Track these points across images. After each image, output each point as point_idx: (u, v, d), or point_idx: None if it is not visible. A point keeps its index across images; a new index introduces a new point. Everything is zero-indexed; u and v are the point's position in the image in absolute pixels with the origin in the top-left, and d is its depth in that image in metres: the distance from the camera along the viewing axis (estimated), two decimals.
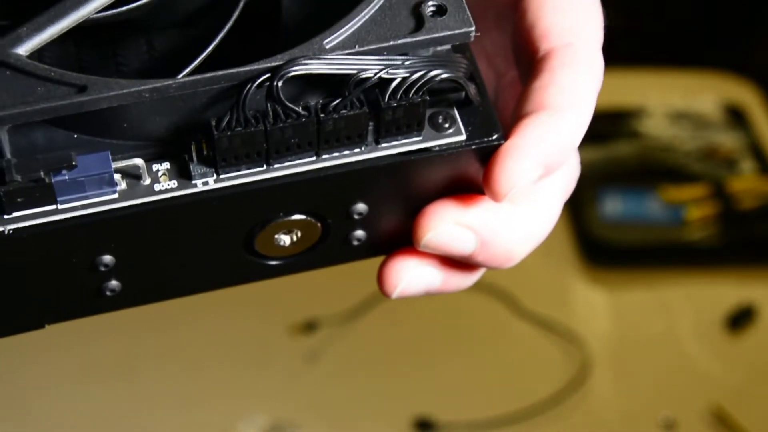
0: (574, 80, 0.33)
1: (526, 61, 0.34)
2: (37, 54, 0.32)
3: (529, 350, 0.99)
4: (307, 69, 0.29)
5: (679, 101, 1.16)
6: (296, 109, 0.30)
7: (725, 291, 1.02)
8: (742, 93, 1.17)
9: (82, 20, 0.30)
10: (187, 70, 0.31)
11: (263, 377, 0.96)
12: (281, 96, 0.29)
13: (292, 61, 0.29)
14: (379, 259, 0.36)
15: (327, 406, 0.95)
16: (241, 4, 0.32)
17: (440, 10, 0.31)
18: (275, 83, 0.29)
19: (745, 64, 1.19)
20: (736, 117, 1.14)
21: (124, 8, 0.31)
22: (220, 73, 0.29)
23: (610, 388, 0.97)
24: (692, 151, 1.11)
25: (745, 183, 1.08)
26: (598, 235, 1.03)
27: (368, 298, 0.99)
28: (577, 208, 1.06)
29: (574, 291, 1.03)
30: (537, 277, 1.04)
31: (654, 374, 0.97)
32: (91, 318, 0.34)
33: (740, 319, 1.00)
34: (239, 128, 0.30)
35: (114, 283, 0.33)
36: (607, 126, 1.11)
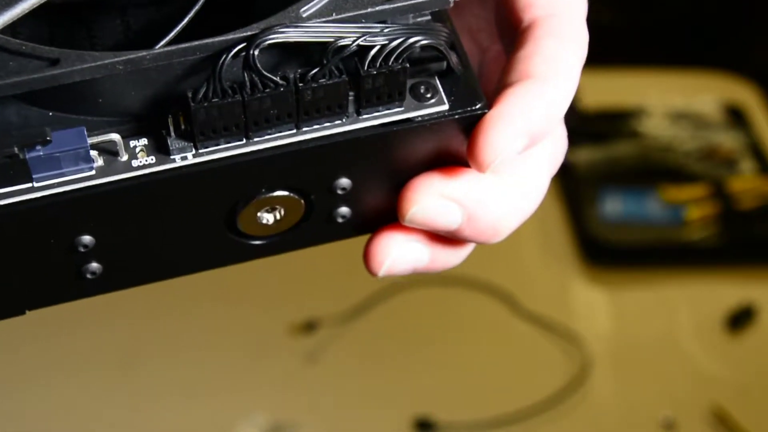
0: (559, 49, 0.32)
1: (510, 32, 0.34)
2: (10, 32, 0.31)
3: (529, 350, 0.99)
4: (283, 37, 0.29)
5: (679, 101, 1.16)
6: (274, 78, 0.29)
7: (725, 291, 1.02)
8: (742, 93, 1.17)
9: None
10: (163, 42, 0.30)
11: (263, 377, 0.96)
12: (258, 65, 0.29)
13: (268, 30, 0.29)
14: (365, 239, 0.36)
15: (327, 406, 0.95)
16: None
17: None
18: (251, 52, 0.29)
19: (745, 64, 1.19)
20: (736, 117, 1.14)
21: None
22: (195, 43, 0.29)
23: (610, 388, 0.97)
24: (692, 151, 1.11)
25: (745, 183, 1.08)
26: (598, 235, 1.03)
27: (368, 298, 0.99)
28: (577, 208, 1.06)
29: (574, 291, 1.03)
30: (537, 277, 1.04)
31: (654, 374, 0.97)
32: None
33: (740, 319, 1.00)
34: (216, 99, 0.29)
35: (94, 265, 0.32)
36: (607, 126, 1.11)
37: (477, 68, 0.37)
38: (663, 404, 0.94)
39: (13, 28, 0.31)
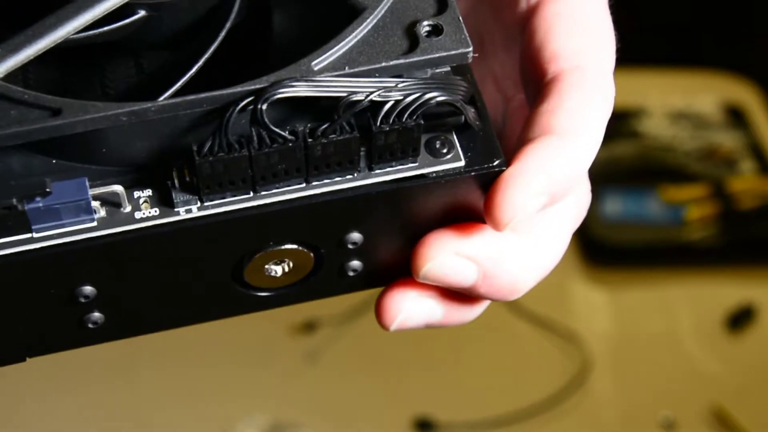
0: (583, 104, 0.31)
1: (534, 84, 0.32)
2: (21, 76, 0.31)
3: (529, 350, 0.99)
4: (293, 92, 0.28)
5: (679, 101, 1.16)
6: (282, 133, 0.28)
7: (725, 291, 1.02)
8: (742, 93, 1.17)
9: (60, 41, 0.29)
10: (169, 92, 0.30)
11: (263, 377, 0.96)
12: (266, 120, 0.28)
13: (278, 84, 0.28)
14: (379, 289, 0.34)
15: (327, 406, 0.95)
16: (228, 24, 0.31)
17: (436, 30, 0.30)
18: (259, 106, 0.28)
19: (745, 64, 1.19)
20: (736, 117, 1.14)
21: (105, 29, 0.30)
22: (202, 96, 0.28)
23: (610, 388, 0.97)
24: (692, 151, 1.11)
25: (745, 183, 1.08)
26: (598, 235, 1.03)
27: (368, 298, 0.99)
28: None
29: (574, 291, 1.03)
30: None
31: (654, 374, 0.97)
32: None
33: (740, 319, 1.00)
34: (222, 153, 0.28)
35: (96, 314, 0.31)
36: (607, 126, 1.11)
37: (501, 117, 0.36)
38: (663, 404, 0.94)
39: (24, 70, 0.31)
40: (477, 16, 0.37)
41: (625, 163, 1.09)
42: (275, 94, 0.28)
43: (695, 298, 1.02)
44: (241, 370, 0.96)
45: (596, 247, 1.04)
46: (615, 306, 1.02)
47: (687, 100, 1.16)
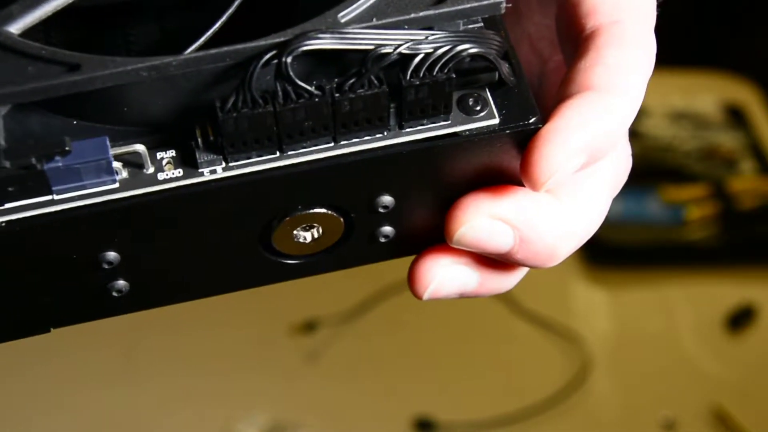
0: (624, 59, 0.30)
1: (571, 41, 0.31)
2: (43, 37, 0.30)
3: (529, 350, 0.99)
4: (319, 44, 0.27)
5: (679, 101, 1.16)
6: (308, 88, 0.27)
7: (725, 291, 1.02)
8: (742, 93, 1.17)
9: None
10: (192, 47, 0.29)
11: (263, 377, 0.96)
12: (291, 74, 0.27)
13: (303, 36, 0.27)
14: (409, 260, 0.33)
15: (327, 406, 0.95)
16: None
17: None
18: (284, 60, 0.27)
19: (745, 64, 1.19)
20: (736, 117, 1.14)
21: None
22: (224, 49, 0.27)
23: (610, 388, 0.97)
24: (692, 151, 1.11)
25: (745, 183, 1.08)
26: (598, 235, 1.03)
27: (368, 298, 0.99)
28: None
29: (574, 291, 1.03)
30: (537, 277, 1.04)
31: (654, 374, 0.97)
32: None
33: (740, 319, 1.00)
34: (246, 109, 0.27)
35: (121, 282, 0.30)
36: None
37: (537, 79, 0.35)
38: (663, 404, 0.94)
39: (46, 32, 0.30)
40: None
41: None
42: (300, 47, 0.27)
43: (695, 298, 1.02)
44: (241, 370, 0.96)
45: (596, 247, 1.04)
46: (615, 306, 1.03)
47: (687, 100, 1.16)
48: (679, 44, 1.23)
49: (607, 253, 1.04)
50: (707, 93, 1.17)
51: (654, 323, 1.01)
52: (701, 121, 1.14)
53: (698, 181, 1.08)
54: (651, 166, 1.09)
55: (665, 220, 1.05)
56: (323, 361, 0.97)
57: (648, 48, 0.30)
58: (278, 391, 0.95)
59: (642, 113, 1.13)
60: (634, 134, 1.10)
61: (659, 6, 0.32)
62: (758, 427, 0.93)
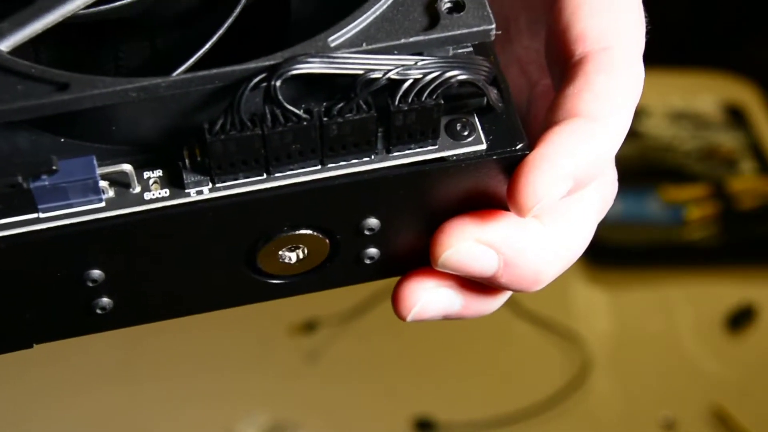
0: (611, 86, 0.30)
1: (560, 66, 0.31)
2: (33, 53, 0.30)
3: (529, 350, 0.99)
4: (307, 68, 0.27)
5: (679, 101, 1.16)
6: (297, 112, 0.27)
7: (725, 291, 1.02)
8: (742, 93, 1.17)
9: (68, 16, 0.28)
10: (182, 68, 0.29)
11: (263, 377, 0.96)
12: (280, 97, 0.27)
13: (292, 60, 0.27)
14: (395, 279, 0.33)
15: (327, 406, 0.95)
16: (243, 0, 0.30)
17: (457, 7, 0.29)
18: (272, 83, 0.27)
19: (745, 64, 1.19)
20: (736, 117, 1.14)
21: (117, 4, 0.29)
22: (213, 71, 0.27)
23: (610, 388, 0.97)
24: (692, 151, 1.11)
25: (745, 183, 1.08)
26: (598, 235, 1.03)
27: (368, 298, 0.99)
28: None
29: (574, 291, 1.03)
30: None
31: (654, 374, 0.97)
32: None
33: (740, 319, 1.00)
34: (234, 132, 0.27)
35: (105, 300, 0.30)
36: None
37: (525, 103, 0.35)
38: (663, 404, 0.95)
39: (36, 48, 0.30)
40: (502, 0, 0.35)
41: (625, 163, 1.09)
42: (289, 71, 0.27)
43: (695, 298, 1.02)
44: (241, 370, 0.96)
45: (596, 247, 1.03)
46: (615, 306, 1.03)
47: (687, 100, 1.16)
48: (679, 44, 1.23)
49: (607, 253, 1.04)
50: (707, 93, 1.17)
51: (654, 323, 1.01)
52: (701, 121, 1.14)
53: (698, 181, 1.08)
54: (651, 166, 1.09)
55: (665, 220, 1.05)
56: (323, 361, 0.97)
57: (636, 75, 0.30)
58: (278, 391, 0.95)
59: (642, 113, 1.13)
60: (634, 134, 1.11)
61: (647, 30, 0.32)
62: (758, 427, 0.93)
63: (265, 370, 0.96)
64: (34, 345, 0.32)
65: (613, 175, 0.33)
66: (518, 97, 0.34)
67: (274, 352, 0.98)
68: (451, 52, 0.29)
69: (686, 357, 0.98)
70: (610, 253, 1.04)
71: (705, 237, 1.05)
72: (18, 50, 0.28)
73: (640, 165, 1.09)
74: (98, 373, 0.95)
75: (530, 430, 0.93)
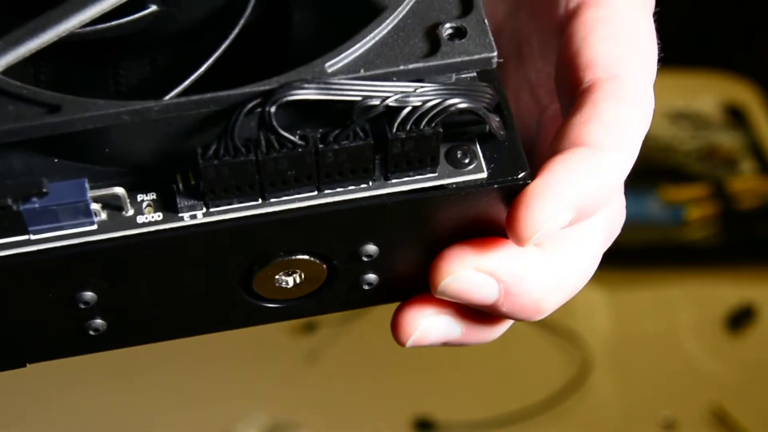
0: (620, 116, 0.29)
1: (568, 92, 0.30)
2: (32, 71, 0.30)
3: (529, 350, 0.99)
4: (303, 94, 0.26)
5: (679, 101, 1.16)
6: (292, 138, 0.27)
7: (725, 291, 1.02)
8: (742, 93, 1.17)
9: (65, 35, 0.28)
10: (175, 91, 0.28)
11: (263, 377, 0.96)
12: (274, 124, 0.26)
13: (287, 86, 0.26)
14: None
15: (327, 406, 0.95)
16: (242, 21, 0.30)
17: (459, 33, 0.28)
18: (267, 109, 0.26)
19: (745, 64, 1.19)
20: (736, 117, 1.14)
21: (115, 23, 0.29)
22: (207, 96, 0.26)
23: (610, 388, 0.97)
24: (692, 151, 1.11)
25: (745, 183, 1.08)
26: None
27: None
28: None
29: None
30: None
31: (654, 374, 0.97)
32: None
33: (740, 319, 1.00)
34: (228, 157, 0.27)
35: (98, 321, 0.30)
36: None
37: (535, 126, 0.34)
38: (663, 404, 0.94)
39: (35, 66, 0.30)
40: (515, 21, 0.35)
41: None
42: (284, 97, 0.26)
43: (695, 298, 1.02)
44: (241, 370, 0.96)
45: None
46: (615, 306, 1.02)
47: (687, 100, 1.16)
48: (679, 44, 1.23)
49: (607, 253, 1.03)
50: (707, 93, 1.17)
51: (654, 323, 1.01)
52: (701, 121, 1.14)
53: (698, 181, 1.08)
54: (651, 166, 1.09)
55: (665, 220, 1.05)
56: (323, 361, 0.97)
57: (646, 105, 0.30)
58: (278, 391, 0.95)
59: None
60: None
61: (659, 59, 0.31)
62: (758, 427, 0.93)
63: (265, 370, 0.96)
64: (27, 364, 0.32)
65: (620, 203, 0.32)
66: (528, 120, 0.34)
67: (274, 352, 0.98)
68: (453, 78, 0.29)
69: (686, 357, 0.98)
70: (610, 253, 1.03)
71: (705, 237, 1.05)
72: (15, 68, 0.27)
73: (640, 165, 1.07)
74: (98, 373, 0.95)
75: (530, 430, 0.93)
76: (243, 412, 0.93)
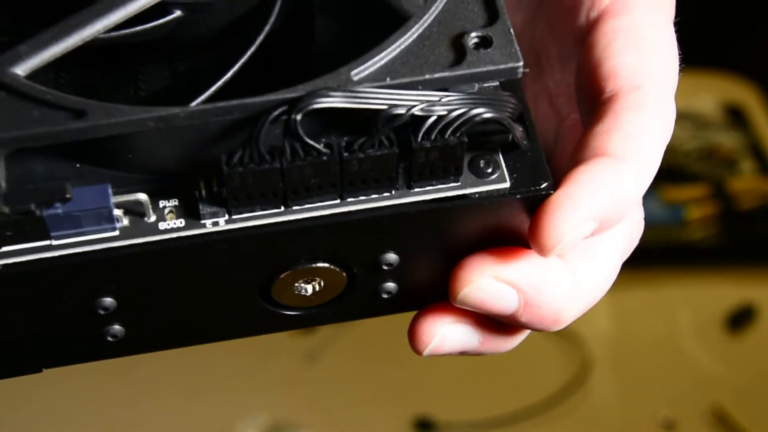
0: (641, 128, 0.29)
1: (589, 102, 0.30)
2: (53, 75, 0.30)
3: (529, 350, 0.99)
4: (329, 102, 0.26)
5: (679, 101, 1.15)
6: (317, 146, 0.27)
7: (725, 291, 1.02)
8: (742, 93, 1.17)
9: (89, 40, 0.28)
10: (201, 98, 0.28)
11: (263, 377, 0.96)
12: (300, 131, 0.26)
13: (314, 93, 0.26)
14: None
15: (327, 406, 0.95)
16: (267, 28, 0.30)
17: (485, 42, 0.28)
18: (293, 117, 0.26)
19: (745, 64, 1.19)
20: (736, 117, 1.14)
21: (139, 28, 0.29)
22: (233, 103, 0.26)
23: (610, 388, 0.97)
24: (692, 151, 1.11)
25: (745, 183, 1.08)
26: None
27: None
28: None
29: None
30: None
31: (654, 374, 0.97)
32: None
33: (740, 319, 1.00)
34: (252, 165, 0.26)
35: (116, 328, 0.30)
36: None
37: (554, 136, 0.34)
38: (663, 404, 0.95)
39: (56, 70, 0.30)
40: (534, 30, 0.35)
41: None
42: (310, 105, 0.26)
43: (695, 298, 1.02)
44: (241, 370, 0.96)
45: None
46: (615, 306, 1.03)
47: (687, 100, 1.16)
48: (679, 44, 1.23)
49: None
50: (707, 93, 1.17)
51: (654, 323, 1.01)
52: (701, 121, 1.14)
53: (698, 181, 1.08)
54: None
55: (665, 220, 1.05)
56: (323, 361, 0.97)
57: (668, 115, 0.30)
58: (278, 391, 0.95)
59: None
60: None
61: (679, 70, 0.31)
62: (758, 427, 0.93)
63: (265, 370, 0.96)
64: (43, 369, 0.32)
65: (640, 213, 0.32)
66: (547, 130, 0.34)
67: (274, 352, 0.98)
68: (476, 87, 0.29)
69: (686, 357, 0.98)
70: None
71: (705, 237, 1.05)
72: (37, 73, 0.27)
73: None
74: (97, 373, 0.95)
75: (530, 430, 0.93)
76: (243, 411, 0.93)
